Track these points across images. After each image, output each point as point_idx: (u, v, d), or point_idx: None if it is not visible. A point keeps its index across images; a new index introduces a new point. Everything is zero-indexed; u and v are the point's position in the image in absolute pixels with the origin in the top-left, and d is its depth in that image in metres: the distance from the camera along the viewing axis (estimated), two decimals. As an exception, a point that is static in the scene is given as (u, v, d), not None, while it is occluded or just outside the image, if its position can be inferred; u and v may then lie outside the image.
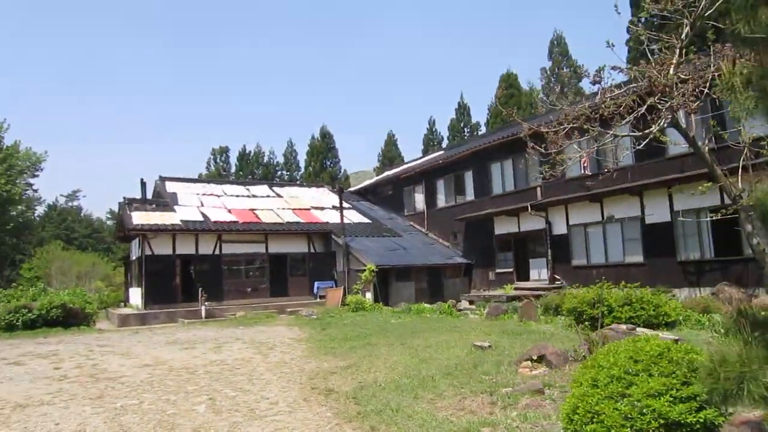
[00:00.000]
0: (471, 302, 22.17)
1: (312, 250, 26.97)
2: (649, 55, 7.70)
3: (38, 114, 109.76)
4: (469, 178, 27.57)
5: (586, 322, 11.39)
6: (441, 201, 29.76)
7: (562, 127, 8.51)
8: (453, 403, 6.57)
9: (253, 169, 69.86)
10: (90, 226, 73.68)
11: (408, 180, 32.52)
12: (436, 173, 29.90)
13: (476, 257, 26.30)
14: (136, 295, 25.37)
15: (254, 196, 30.75)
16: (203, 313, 22.17)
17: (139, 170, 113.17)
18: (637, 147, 8.20)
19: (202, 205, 27.17)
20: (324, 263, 26.80)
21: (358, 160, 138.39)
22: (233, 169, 70.96)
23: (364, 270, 23.34)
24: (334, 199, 31.98)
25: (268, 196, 31.07)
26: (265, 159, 71.73)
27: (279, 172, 69.86)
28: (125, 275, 30.12)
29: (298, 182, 46.00)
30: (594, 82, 7.89)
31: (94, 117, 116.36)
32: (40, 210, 59.21)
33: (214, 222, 25.14)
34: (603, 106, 7.84)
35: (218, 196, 29.45)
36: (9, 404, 7.66)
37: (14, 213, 33.93)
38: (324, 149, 63.81)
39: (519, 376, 7.73)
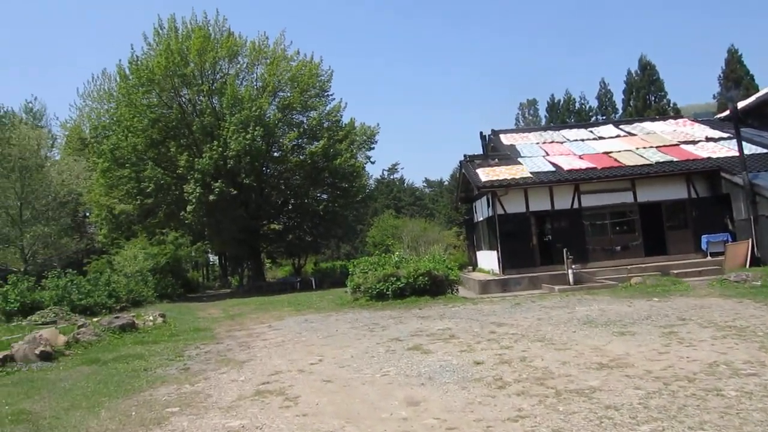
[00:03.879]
0: None
1: (693, 195, 21.15)
2: None
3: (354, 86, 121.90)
4: None
5: None
6: None
7: None
8: None
9: (564, 119, 64.43)
10: (413, 195, 78.00)
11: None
12: None
13: None
14: (487, 258, 23.42)
15: (601, 137, 26.02)
16: (570, 278, 18.73)
17: (438, 135, 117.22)
18: None
19: (548, 155, 23.68)
20: (712, 211, 20.76)
21: (686, 93, 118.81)
22: (543, 122, 66.66)
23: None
24: (704, 130, 25.18)
25: (618, 136, 25.98)
26: (576, 105, 65.51)
27: (593, 118, 63.09)
28: (468, 238, 28.83)
29: (647, 117, 38.87)
30: None
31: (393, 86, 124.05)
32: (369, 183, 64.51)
33: (568, 171, 21.39)
34: None
35: (561, 143, 25.61)
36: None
37: (356, 186, 35.65)
38: (645, 83, 54.58)
39: None
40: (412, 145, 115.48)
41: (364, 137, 36.85)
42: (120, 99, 32.32)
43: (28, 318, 18.33)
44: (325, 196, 35.03)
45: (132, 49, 34.34)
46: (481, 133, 25.14)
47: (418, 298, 17.14)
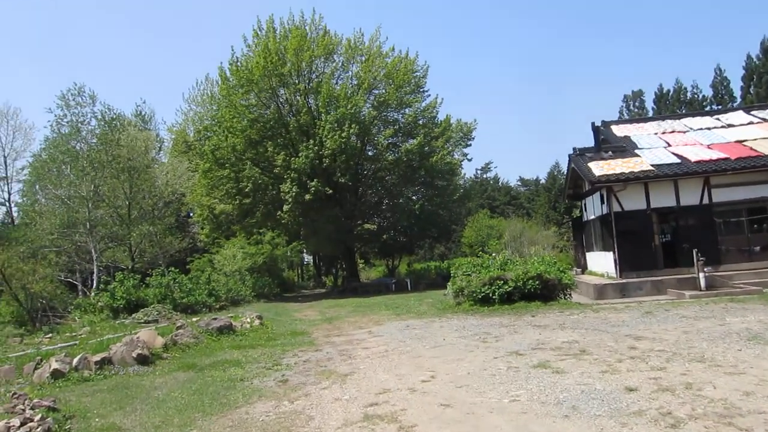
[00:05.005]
0: None
1: None
2: None
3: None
4: None
5: None
6: None
7: None
8: None
9: (675, 110, 59.53)
10: (508, 194, 75.39)
11: None
12: None
13: None
14: (600, 260, 21.34)
15: (730, 125, 23.04)
16: (702, 283, 16.46)
17: (533, 133, 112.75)
18: None
19: (669, 145, 21.22)
20: None
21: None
22: (650, 114, 61.97)
23: None
24: None
25: (750, 123, 22.93)
26: (688, 95, 60.36)
27: (707, 108, 57.75)
28: (576, 238, 26.68)
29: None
30: None
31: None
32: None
33: (696, 162, 18.95)
34: None
35: (683, 132, 22.95)
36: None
37: (453, 184, 34.35)
38: (768, 68, 48.98)
39: None
40: (506, 143, 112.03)
41: (461, 134, 35.38)
42: (221, 101, 33.03)
43: (133, 315, 18.64)
44: (420, 195, 33.94)
45: (232, 50, 35.07)
46: (593, 124, 22.99)
47: (528, 304, 15.62)
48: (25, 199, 38.16)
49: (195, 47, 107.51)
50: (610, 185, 18.96)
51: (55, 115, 26.02)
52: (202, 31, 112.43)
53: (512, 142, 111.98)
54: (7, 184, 45.98)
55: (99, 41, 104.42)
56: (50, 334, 16.52)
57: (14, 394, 7.32)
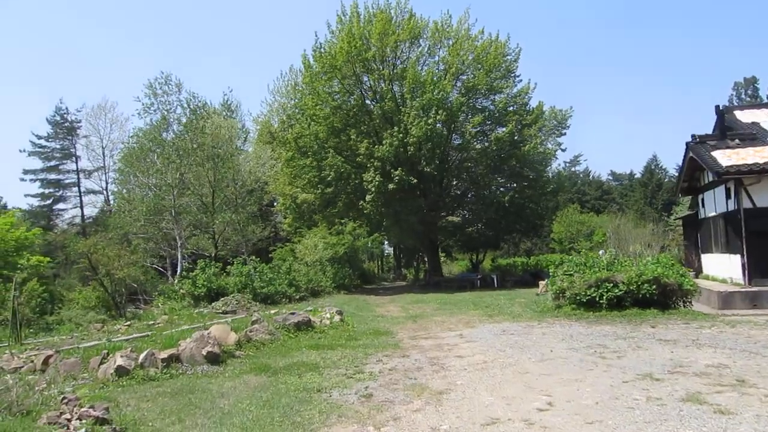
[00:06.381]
0: None
1: None
2: None
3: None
4: None
5: None
6: None
7: None
8: None
9: (795, 98, 53.38)
10: (599, 188, 71.21)
11: None
12: None
13: None
14: (720, 263, 18.70)
15: None
16: None
17: (626, 124, 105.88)
18: None
19: (812, 132, 18.24)
20: None
21: None
22: (765, 101, 56.03)
23: None
24: None
25: None
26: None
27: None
28: (688, 237, 23.89)
29: None
30: None
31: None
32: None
33: None
34: None
35: (826, 118, 19.75)
36: None
37: (545, 176, 32.15)
38: None
39: None
40: (597, 135, 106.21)
41: (554, 122, 32.92)
42: (303, 89, 32.48)
43: (212, 304, 18.19)
44: (509, 187, 31.84)
45: (316, 37, 34.41)
46: (717, 107, 20.06)
47: (642, 311, 13.59)
48: (120, 187, 39.59)
49: (282, 39, 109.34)
50: (740, 177, 16.36)
51: (143, 104, 26.32)
52: (287, 23, 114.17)
53: (604, 134, 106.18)
54: (105, 174, 48.30)
55: (189, 32, 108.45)
56: (130, 321, 16.28)
57: (64, 398, 6.50)
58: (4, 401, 6.19)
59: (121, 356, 8.65)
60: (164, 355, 8.88)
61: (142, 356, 8.72)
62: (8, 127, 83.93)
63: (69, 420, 5.68)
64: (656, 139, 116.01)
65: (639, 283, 13.91)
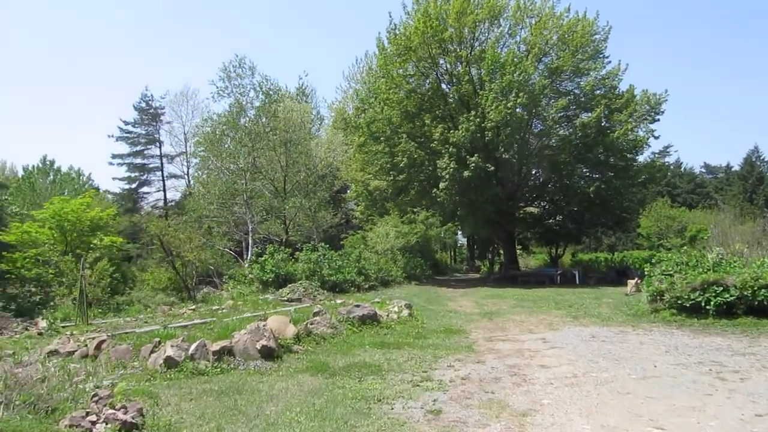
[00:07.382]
0: None
1: None
2: None
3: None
4: None
5: None
6: None
7: None
8: None
9: None
10: (692, 181, 66.31)
11: None
12: None
13: None
14: None
15: None
16: None
17: (721, 113, 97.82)
18: None
19: None
20: None
21: None
22: None
23: None
24: None
25: None
26: None
27: None
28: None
29: None
30: None
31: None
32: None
33: None
34: None
35: None
36: None
37: (637, 165, 29.71)
38: None
39: None
40: (690, 123, 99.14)
41: (647, 107, 30.17)
42: (377, 72, 31.56)
43: (279, 291, 17.68)
44: (595, 177, 29.57)
45: (390, 17, 33.38)
46: None
47: (759, 321, 11.67)
48: (200, 172, 40.37)
49: (360, 25, 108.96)
50: None
51: (217, 87, 26.25)
52: (367, 8, 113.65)
53: (697, 123, 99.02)
54: (186, 159, 49.64)
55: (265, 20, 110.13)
56: (196, 305, 16.01)
57: (95, 395, 5.84)
58: (32, 395, 5.62)
59: (172, 346, 8.03)
60: (216, 347, 8.19)
61: (192, 347, 8.07)
62: (100, 113, 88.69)
63: (93, 423, 4.99)
64: (758, 128, 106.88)
65: (755, 288, 11.97)
